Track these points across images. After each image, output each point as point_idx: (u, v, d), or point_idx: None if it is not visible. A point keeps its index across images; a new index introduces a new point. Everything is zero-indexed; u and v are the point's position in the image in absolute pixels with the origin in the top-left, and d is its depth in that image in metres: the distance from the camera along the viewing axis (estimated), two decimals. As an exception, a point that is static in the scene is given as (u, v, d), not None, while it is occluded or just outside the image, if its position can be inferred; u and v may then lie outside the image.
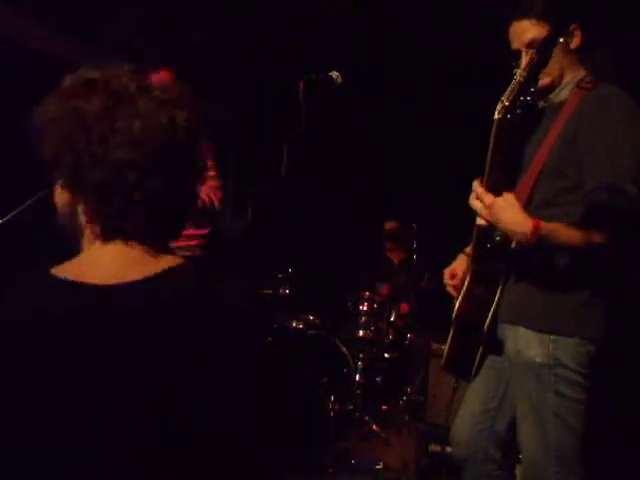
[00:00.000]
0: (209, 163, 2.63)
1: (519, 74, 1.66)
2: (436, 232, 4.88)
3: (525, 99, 1.63)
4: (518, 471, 2.36)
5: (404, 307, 4.99)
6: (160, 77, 2.78)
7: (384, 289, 5.18)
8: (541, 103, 1.98)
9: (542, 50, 1.69)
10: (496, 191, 1.70)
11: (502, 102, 1.65)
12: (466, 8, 4.18)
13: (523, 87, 1.64)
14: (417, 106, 5.07)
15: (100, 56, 4.78)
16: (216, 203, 2.57)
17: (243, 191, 2.22)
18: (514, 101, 1.63)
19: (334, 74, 1.97)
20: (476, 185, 1.74)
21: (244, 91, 5.55)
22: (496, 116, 1.65)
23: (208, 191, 2.56)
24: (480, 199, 1.71)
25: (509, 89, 1.65)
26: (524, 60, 1.87)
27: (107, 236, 0.97)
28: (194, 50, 4.76)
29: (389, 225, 5.45)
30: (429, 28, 4.53)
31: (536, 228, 1.65)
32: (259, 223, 1.79)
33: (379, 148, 5.70)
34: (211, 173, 2.65)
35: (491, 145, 1.69)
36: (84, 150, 0.93)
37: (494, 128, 1.67)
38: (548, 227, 1.68)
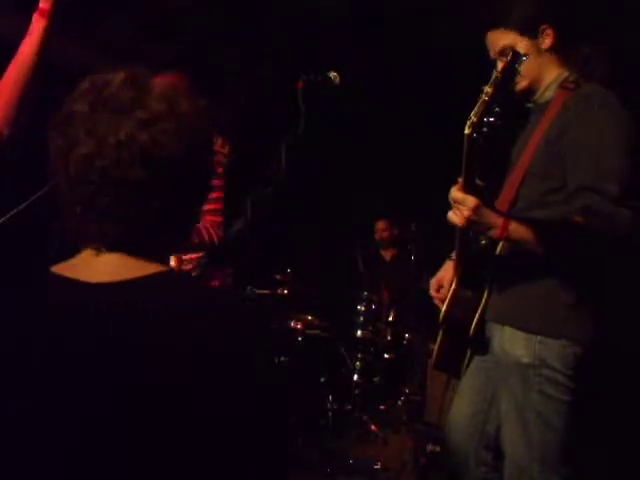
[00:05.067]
0: (215, 195, 2.56)
1: (484, 92, 1.66)
2: (435, 232, 4.88)
3: (489, 120, 1.63)
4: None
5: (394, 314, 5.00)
6: (179, 79, 2.78)
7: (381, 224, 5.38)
8: (527, 104, 1.99)
9: (506, 69, 1.69)
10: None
11: (470, 118, 1.65)
12: (466, 8, 4.18)
13: (488, 107, 1.64)
14: (417, 106, 5.08)
15: (100, 56, 4.79)
16: (215, 240, 2.51)
17: (241, 191, 2.21)
18: (480, 119, 1.63)
19: (332, 74, 1.97)
20: (455, 192, 1.73)
21: (243, 91, 5.55)
22: (466, 131, 1.66)
23: (208, 227, 2.51)
24: (461, 202, 1.70)
25: (476, 106, 1.65)
26: (499, 69, 1.91)
27: (84, 243, 1.00)
28: (194, 50, 4.76)
29: (379, 225, 5.48)
30: (430, 28, 4.53)
31: (505, 226, 1.70)
32: (258, 223, 1.79)
33: (378, 148, 5.71)
34: (214, 206, 2.56)
35: (463, 159, 1.70)
36: (53, 162, 0.99)
37: (465, 143, 1.68)
38: (517, 227, 1.71)
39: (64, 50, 4.56)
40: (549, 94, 1.91)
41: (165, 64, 2.77)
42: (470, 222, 1.72)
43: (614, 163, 1.68)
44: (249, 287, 4.35)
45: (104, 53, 4.80)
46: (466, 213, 1.70)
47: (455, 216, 1.74)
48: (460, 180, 1.72)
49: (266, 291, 4.67)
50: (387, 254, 5.50)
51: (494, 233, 1.73)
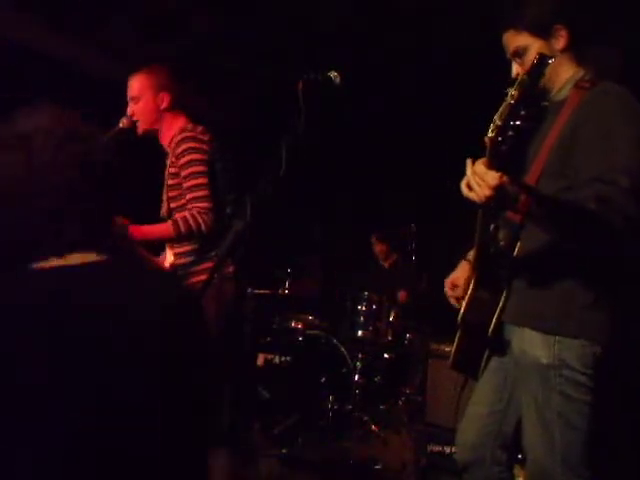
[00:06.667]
0: (199, 182, 2.52)
1: (510, 95, 1.63)
2: (436, 233, 4.90)
3: (515, 123, 1.60)
4: (516, 470, 2.36)
5: (403, 295, 5.03)
6: (157, 73, 2.74)
7: (402, 295, 5.20)
8: (543, 103, 1.98)
9: (532, 72, 1.68)
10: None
11: (495, 122, 1.61)
12: (466, 8, 4.18)
13: (513, 109, 1.61)
14: (416, 105, 5.08)
15: (100, 56, 4.79)
16: (203, 228, 2.48)
17: (241, 191, 2.20)
18: (506, 123, 1.61)
19: (332, 74, 1.96)
20: (478, 166, 1.64)
21: (244, 91, 5.55)
22: (489, 134, 1.63)
23: (195, 214, 2.47)
24: (483, 179, 1.62)
25: (501, 109, 1.62)
26: (513, 70, 1.91)
27: None
28: (194, 50, 4.76)
29: (374, 239, 5.52)
30: (430, 28, 4.53)
31: (528, 200, 1.64)
32: (258, 223, 1.79)
33: (378, 148, 5.71)
34: (199, 193, 2.51)
35: (487, 160, 1.67)
36: None
37: (488, 146, 1.65)
38: (539, 203, 1.65)
39: (65, 50, 4.57)
40: (565, 92, 1.90)
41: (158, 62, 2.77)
42: (490, 200, 1.62)
43: (626, 158, 1.67)
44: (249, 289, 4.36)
45: (104, 53, 4.80)
46: (487, 192, 1.61)
47: (472, 192, 1.65)
48: (483, 161, 1.64)
49: (266, 291, 4.68)
50: (385, 263, 5.54)
51: (515, 208, 1.67)
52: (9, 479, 0.92)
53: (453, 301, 2.11)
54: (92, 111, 1.27)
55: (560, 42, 1.88)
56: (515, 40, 1.89)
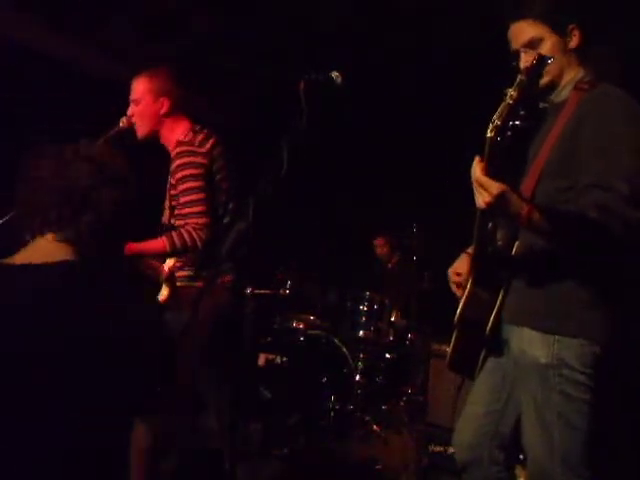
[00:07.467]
0: (195, 197, 2.52)
1: (509, 95, 1.63)
2: (436, 233, 4.89)
3: (514, 123, 1.61)
4: (517, 471, 2.36)
5: (397, 315, 5.02)
6: (158, 77, 2.73)
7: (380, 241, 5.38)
8: (543, 104, 1.98)
9: (531, 73, 1.68)
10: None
11: (494, 122, 1.62)
12: (466, 8, 4.18)
13: (512, 109, 1.61)
14: (416, 106, 5.08)
15: (100, 56, 4.79)
16: (198, 243, 2.47)
17: (243, 192, 2.20)
18: (504, 123, 1.61)
19: (334, 74, 1.96)
20: (479, 173, 1.67)
21: (244, 91, 5.55)
22: (488, 134, 1.64)
23: (190, 230, 2.47)
24: (485, 187, 1.65)
25: (500, 109, 1.62)
26: (522, 61, 1.89)
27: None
28: (194, 50, 4.76)
29: (378, 242, 5.55)
30: (430, 28, 4.53)
31: (529, 213, 1.66)
32: (259, 224, 1.79)
33: (378, 148, 5.70)
34: (196, 209, 2.51)
35: (485, 159, 1.67)
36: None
37: (486, 145, 1.65)
38: (539, 216, 1.67)
39: (65, 50, 4.57)
40: (565, 94, 1.91)
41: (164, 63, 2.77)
42: (490, 207, 1.66)
43: (625, 163, 1.68)
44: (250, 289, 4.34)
45: (104, 53, 4.80)
46: (487, 199, 1.65)
47: (477, 198, 1.69)
48: (483, 162, 1.66)
49: (267, 291, 4.67)
50: (389, 264, 5.55)
51: (517, 220, 1.70)
52: (9, 479, 0.92)
53: (456, 288, 2.09)
54: (92, 111, 1.27)
55: (573, 41, 1.89)
56: (530, 31, 1.88)
